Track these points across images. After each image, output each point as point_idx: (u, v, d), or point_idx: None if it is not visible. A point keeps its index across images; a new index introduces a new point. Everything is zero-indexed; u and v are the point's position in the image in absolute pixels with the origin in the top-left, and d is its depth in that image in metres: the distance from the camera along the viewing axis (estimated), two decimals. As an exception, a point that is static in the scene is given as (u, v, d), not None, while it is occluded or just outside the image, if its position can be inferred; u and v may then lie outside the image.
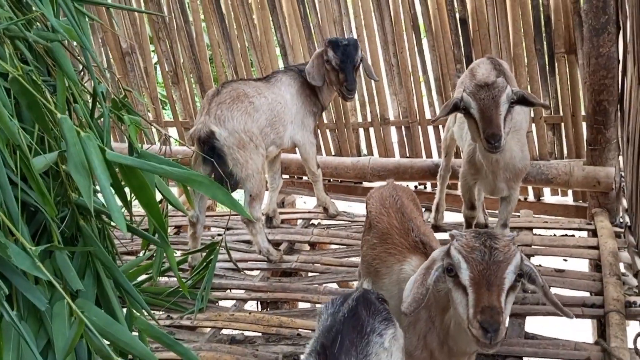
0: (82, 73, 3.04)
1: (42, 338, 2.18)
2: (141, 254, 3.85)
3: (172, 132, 6.44)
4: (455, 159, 4.93)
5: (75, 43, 2.86)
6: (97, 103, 2.50)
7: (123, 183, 2.08)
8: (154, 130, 5.97)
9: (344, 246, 4.65)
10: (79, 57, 2.70)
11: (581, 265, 4.41)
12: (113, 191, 1.86)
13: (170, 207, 4.34)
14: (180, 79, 6.21)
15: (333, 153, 5.95)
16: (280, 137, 4.48)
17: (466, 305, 1.88)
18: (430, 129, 5.55)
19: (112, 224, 2.69)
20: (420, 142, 5.59)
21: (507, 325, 1.87)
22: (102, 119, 2.54)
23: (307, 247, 4.93)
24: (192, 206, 4.18)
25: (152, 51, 6.50)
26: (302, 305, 4.28)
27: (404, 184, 4.51)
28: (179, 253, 4.57)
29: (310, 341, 1.92)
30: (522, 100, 3.07)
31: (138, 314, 2.57)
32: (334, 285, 4.26)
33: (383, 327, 1.92)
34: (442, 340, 2.19)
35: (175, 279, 4.27)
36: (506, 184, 3.63)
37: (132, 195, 2.13)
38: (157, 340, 2.38)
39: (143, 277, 4.08)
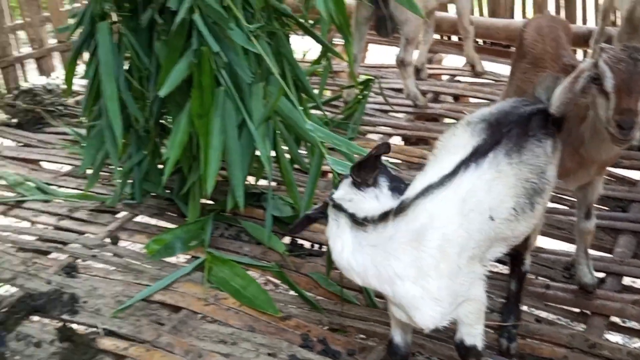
0: None
1: (239, 114, 2.70)
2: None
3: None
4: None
5: None
6: None
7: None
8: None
9: (486, 101, 4.85)
10: None
11: None
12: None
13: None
14: None
15: (486, 14, 6.01)
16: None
17: (607, 108, 2.17)
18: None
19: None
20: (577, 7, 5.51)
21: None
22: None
23: (451, 99, 5.19)
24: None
25: None
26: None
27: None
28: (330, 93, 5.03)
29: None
30: None
31: (312, 113, 3.04)
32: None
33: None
34: (575, 148, 2.47)
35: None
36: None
37: None
38: (327, 140, 2.78)
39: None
